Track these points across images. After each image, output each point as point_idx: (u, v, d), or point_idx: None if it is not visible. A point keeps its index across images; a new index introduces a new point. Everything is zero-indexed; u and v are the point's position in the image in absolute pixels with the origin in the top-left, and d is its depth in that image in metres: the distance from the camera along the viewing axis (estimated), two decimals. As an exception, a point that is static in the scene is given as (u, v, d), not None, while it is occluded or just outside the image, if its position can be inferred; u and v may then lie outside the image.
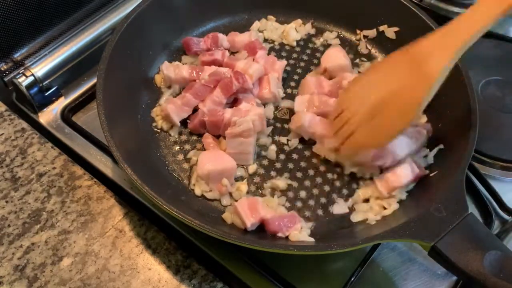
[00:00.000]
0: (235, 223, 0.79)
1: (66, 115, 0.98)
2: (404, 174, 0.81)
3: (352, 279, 0.78)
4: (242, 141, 0.85)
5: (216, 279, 0.76)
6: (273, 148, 0.90)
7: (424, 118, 0.93)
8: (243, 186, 0.84)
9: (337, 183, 0.87)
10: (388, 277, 0.81)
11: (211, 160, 0.83)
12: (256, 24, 1.09)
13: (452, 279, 0.80)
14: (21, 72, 0.96)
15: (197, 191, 0.84)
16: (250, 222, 0.76)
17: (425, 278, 0.80)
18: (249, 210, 0.77)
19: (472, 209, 0.88)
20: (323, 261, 0.81)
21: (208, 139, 0.89)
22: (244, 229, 0.77)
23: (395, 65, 0.79)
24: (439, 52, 0.73)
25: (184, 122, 0.92)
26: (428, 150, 0.87)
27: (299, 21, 1.10)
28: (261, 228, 0.78)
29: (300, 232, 0.77)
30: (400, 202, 0.82)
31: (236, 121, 0.85)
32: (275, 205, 0.82)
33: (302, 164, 0.89)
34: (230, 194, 0.84)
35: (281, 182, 0.85)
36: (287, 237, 0.76)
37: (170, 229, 0.83)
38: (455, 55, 0.72)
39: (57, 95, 1.00)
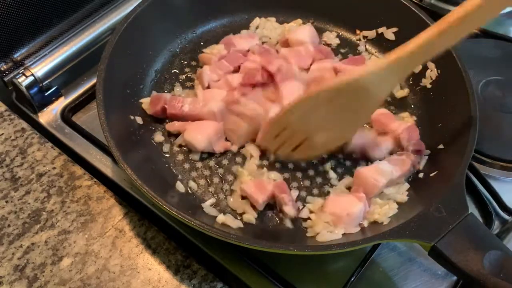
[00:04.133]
0: (245, 210, 0.80)
1: (66, 115, 0.98)
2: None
3: (352, 279, 0.78)
4: (237, 121, 0.86)
5: (216, 279, 0.76)
6: None
7: (411, 121, 0.93)
8: (245, 175, 0.85)
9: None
10: (388, 277, 0.81)
11: (200, 127, 0.85)
12: (256, 21, 1.09)
13: (452, 279, 0.80)
14: (21, 72, 0.96)
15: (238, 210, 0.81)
16: (261, 199, 0.78)
17: (425, 278, 0.80)
18: (257, 189, 0.80)
19: (472, 209, 0.88)
20: (323, 261, 0.81)
21: (175, 124, 0.89)
22: (244, 226, 0.77)
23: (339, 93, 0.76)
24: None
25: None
26: (408, 185, 0.84)
27: (299, 21, 1.10)
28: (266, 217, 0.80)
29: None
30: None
31: (245, 102, 0.86)
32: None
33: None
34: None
35: (275, 175, 0.85)
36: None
37: (170, 229, 0.83)
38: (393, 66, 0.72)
39: (57, 95, 1.00)
